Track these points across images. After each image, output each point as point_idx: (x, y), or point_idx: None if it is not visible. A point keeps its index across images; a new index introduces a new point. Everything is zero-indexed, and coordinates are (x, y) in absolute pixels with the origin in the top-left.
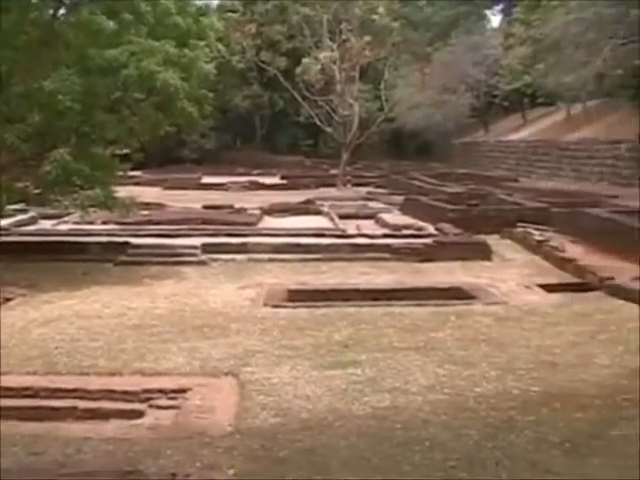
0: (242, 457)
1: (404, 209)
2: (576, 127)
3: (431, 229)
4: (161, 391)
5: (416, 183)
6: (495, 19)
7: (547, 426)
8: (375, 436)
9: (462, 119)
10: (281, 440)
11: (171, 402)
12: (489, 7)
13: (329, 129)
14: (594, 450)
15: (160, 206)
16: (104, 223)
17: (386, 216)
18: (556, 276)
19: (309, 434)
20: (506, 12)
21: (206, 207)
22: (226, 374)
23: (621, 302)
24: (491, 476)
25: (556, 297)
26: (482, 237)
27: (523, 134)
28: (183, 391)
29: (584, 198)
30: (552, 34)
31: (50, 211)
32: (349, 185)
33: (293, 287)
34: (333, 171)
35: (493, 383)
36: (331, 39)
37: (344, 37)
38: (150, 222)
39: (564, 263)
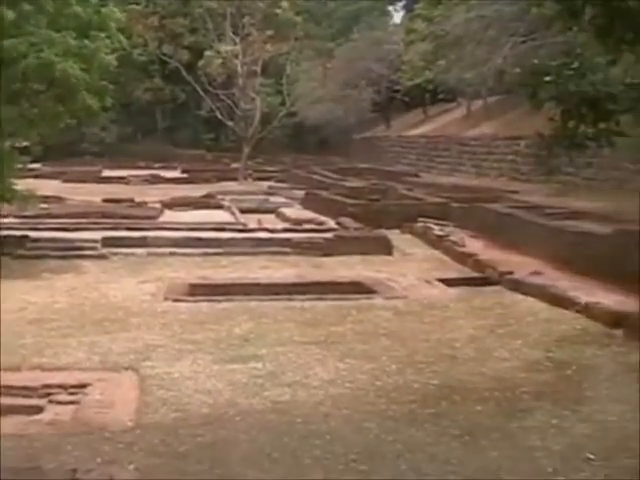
0: (143, 452)
1: (305, 203)
2: (476, 123)
3: (332, 223)
4: (61, 386)
5: (317, 177)
6: (397, 15)
7: (447, 419)
8: (276, 430)
9: (364, 114)
10: (182, 435)
11: (71, 397)
12: (392, 3)
13: (231, 123)
14: (493, 442)
15: (59, 199)
16: (2, 216)
17: (287, 210)
18: (456, 271)
19: (210, 429)
20: (408, 8)
21: (106, 200)
22: (126, 369)
23: (520, 296)
24: (391, 469)
25: (456, 291)
26: (383, 232)
27: (424, 129)
28: (83, 386)
29: (484, 193)
30: (453, 30)
31: None
32: (250, 179)
33: (194, 281)
34: (234, 165)
35: (394, 377)
36: (234, 32)
37: (247, 31)
38: (49, 215)
39: (464, 258)
